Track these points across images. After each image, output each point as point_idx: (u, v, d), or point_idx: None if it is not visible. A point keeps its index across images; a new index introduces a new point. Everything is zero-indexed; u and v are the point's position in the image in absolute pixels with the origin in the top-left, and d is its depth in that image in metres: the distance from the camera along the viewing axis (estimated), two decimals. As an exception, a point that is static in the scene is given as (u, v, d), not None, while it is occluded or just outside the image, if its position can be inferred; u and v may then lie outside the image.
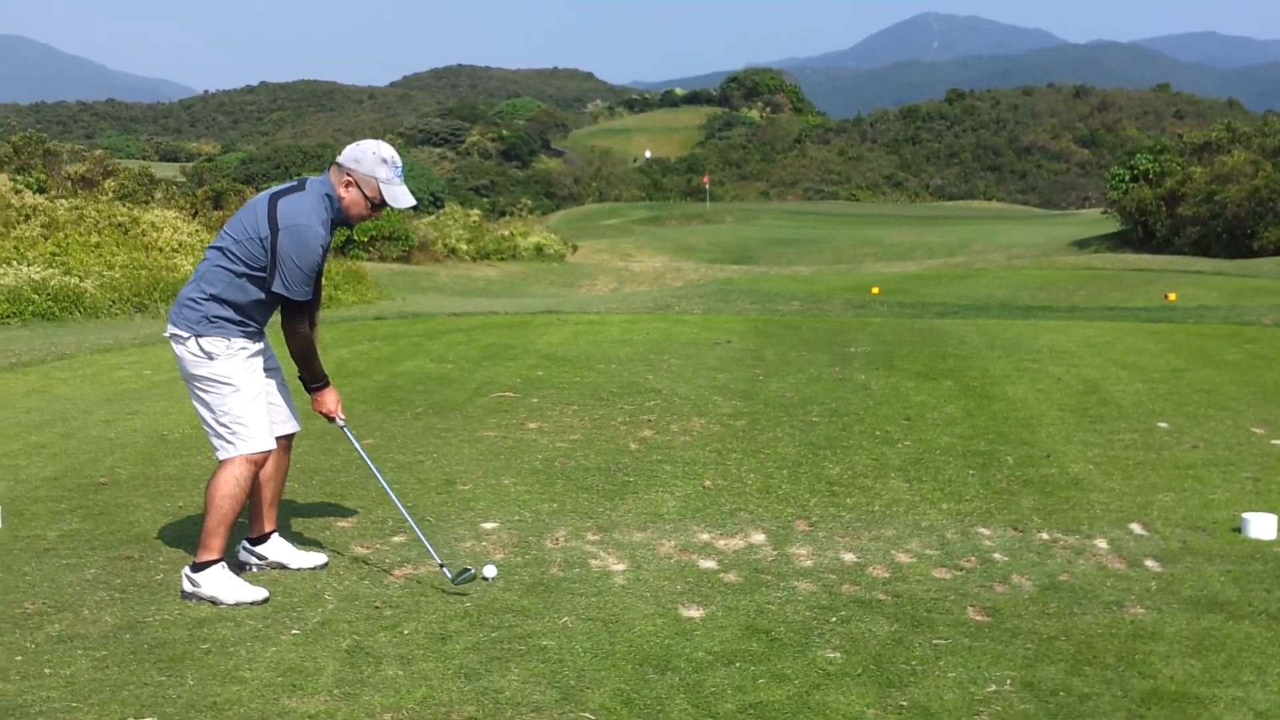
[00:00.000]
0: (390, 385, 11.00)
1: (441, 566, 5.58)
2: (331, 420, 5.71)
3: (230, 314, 5.34)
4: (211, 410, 5.37)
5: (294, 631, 4.90)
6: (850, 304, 21.76)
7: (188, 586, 5.29)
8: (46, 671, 4.48)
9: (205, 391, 5.36)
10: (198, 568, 5.29)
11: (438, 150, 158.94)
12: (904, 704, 4.26)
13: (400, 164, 5.47)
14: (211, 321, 5.32)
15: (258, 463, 5.44)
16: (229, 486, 5.33)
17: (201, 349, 5.31)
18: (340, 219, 5.44)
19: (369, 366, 12.23)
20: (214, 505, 5.31)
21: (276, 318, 5.49)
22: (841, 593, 5.44)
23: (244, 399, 5.37)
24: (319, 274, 5.40)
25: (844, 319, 17.57)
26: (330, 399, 5.67)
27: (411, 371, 11.84)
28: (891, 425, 9.10)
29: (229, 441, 5.37)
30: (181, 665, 4.54)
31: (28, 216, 26.70)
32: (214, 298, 5.32)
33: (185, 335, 5.33)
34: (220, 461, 5.38)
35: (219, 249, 5.36)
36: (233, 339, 5.35)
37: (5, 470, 7.78)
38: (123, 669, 4.50)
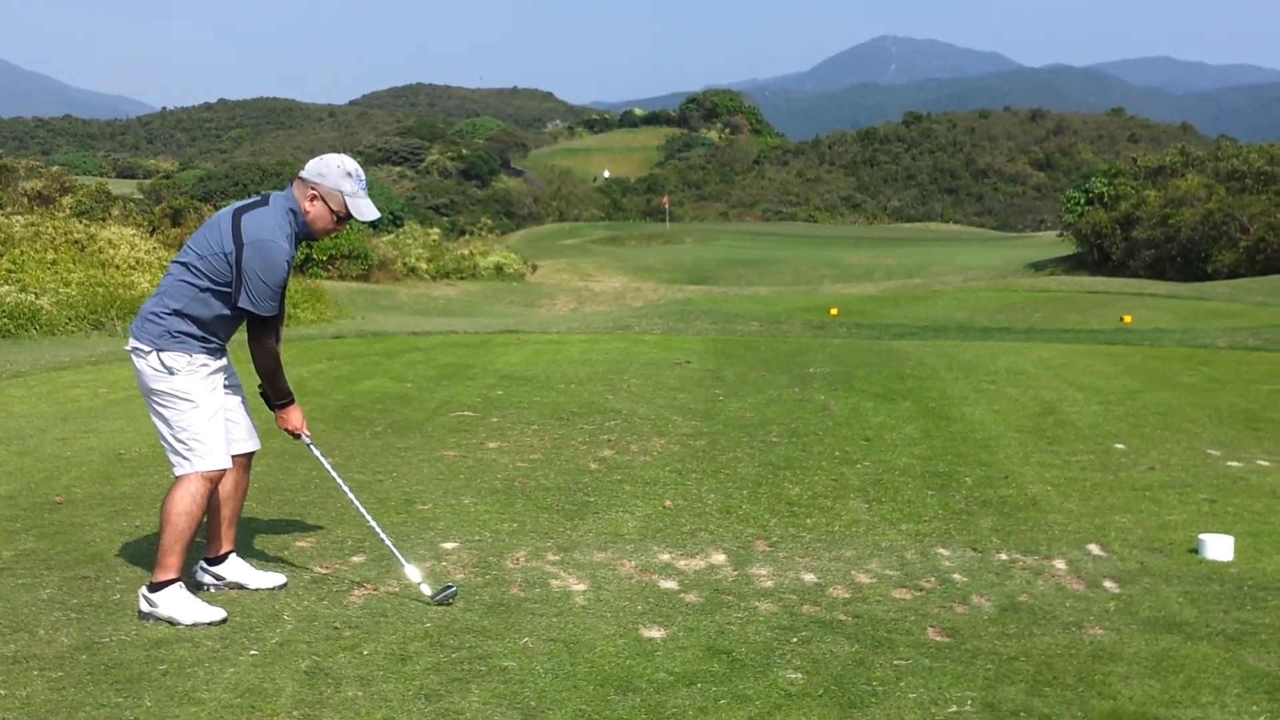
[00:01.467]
0: (349, 404, 10.95)
1: (420, 584, 5.56)
2: (297, 438, 5.68)
3: (193, 329, 5.31)
4: (169, 425, 5.33)
5: (252, 652, 4.86)
6: (809, 325, 21.85)
7: (145, 606, 5.24)
8: (2, 693, 4.42)
9: (164, 407, 5.33)
10: (155, 587, 5.24)
11: (397, 169, 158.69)
12: (865, 725, 4.27)
13: (364, 177, 5.48)
14: (174, 336, 5.28)
15: (214, 480, 5.40)
16: (185, 504, 5.29)
17: (162, 363, 5.28)
18: (304, 233, 5.43)
19: (328, 385, 12.17)
20: (169, 523, 5.26)
21: (240, 335, 5.47)
22: (802, 613, 5.44)
23: (202, 415, 5.33)
24: (284, 289, 5.38)
25: (803, 340, 17.64)
26: (295, 416, 5.65)
27: (371, 390, 11.79)
28: (851, 446, 9.13)
29: (185, 458, 5.33)
30: (139, 686, 4.49)
31: (-17, 233, 26.45)
32: (177, 313, 5.29)
33: (146, 349, 5.30)
34: (176, 478, 5.34)
35: (183, 264, 5.33)
36: (194, 354, 5.32)
37: (-42, 489, 7.70)
38: (79, 690, 4.45)
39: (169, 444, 5.37)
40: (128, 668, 4.68)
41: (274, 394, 5.57)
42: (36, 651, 4.83)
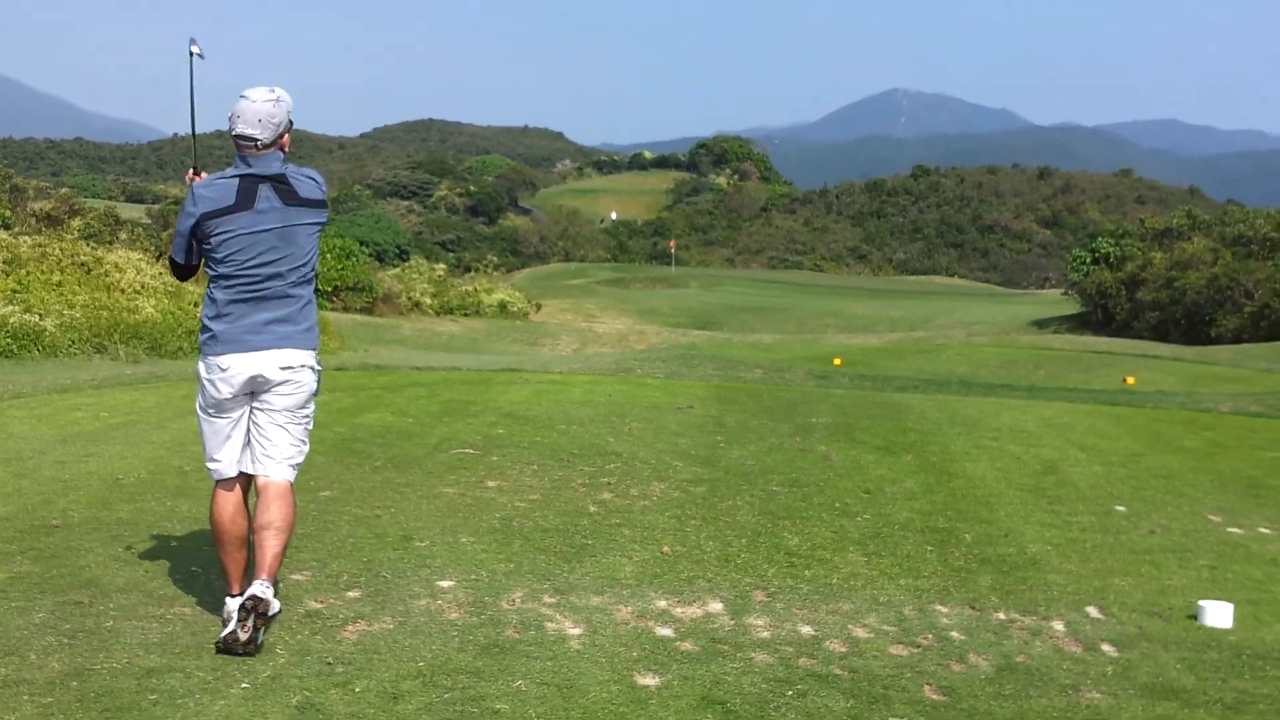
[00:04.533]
0: (350, 437, 10.92)
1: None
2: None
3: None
4: None
5: (244, 685, 4.82)
6: (812, 374, 21.81)
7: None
8: (-11, 717, 4.40)
9: None
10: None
11: (405, 203, 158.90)
12: (858, 782, 4.23)
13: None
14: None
15: (219, 487, 5.54)
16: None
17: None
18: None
19: (329, 418, 12.12)
20: None
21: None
22: (798, 666, 5.41)
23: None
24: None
25: (806, 389, 17.60)
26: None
27: (372, 424, 11.76)
28: (851, 498, 9.10)
29: None
30: (128, 716, 4.45)
31: (-11, 252, 26.44)
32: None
33: None
34: None
35: None
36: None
37: (-45, 508, 7.67)
38: (68, 717, 4.42)
39: None
40: (118, 696, 4.64)
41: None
42: (27, 676, 4.80)
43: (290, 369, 5.38)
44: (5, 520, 7.41)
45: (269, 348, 5.34)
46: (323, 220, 5.46)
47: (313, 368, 5.50)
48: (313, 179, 5.48)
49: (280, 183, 5.33)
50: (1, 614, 5.58)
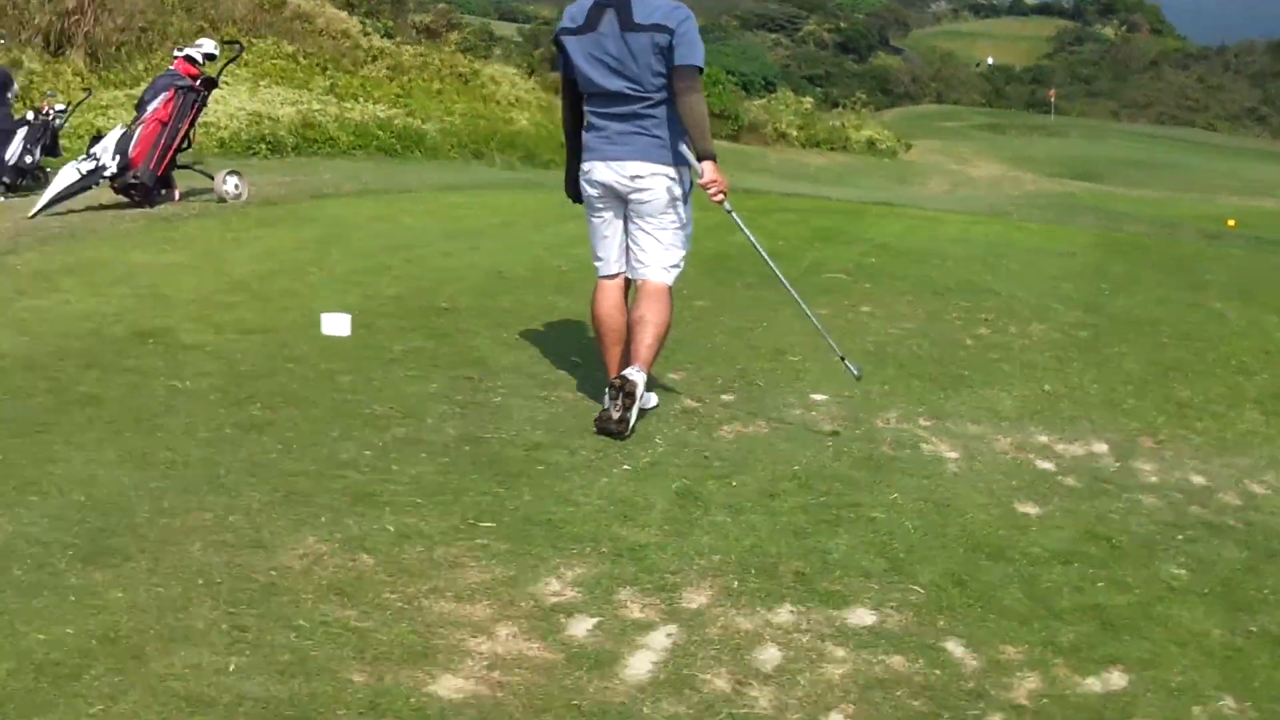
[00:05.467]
0: (721, 254, 10.92)
1: (843, 359, 6.00)
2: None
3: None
4: None
5: (625, 467, 4.93)
6: (1203, 233, 20.51)
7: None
8: (394, 468, 4.64)
9: None
10: None
11: (772, 36, 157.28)
12: (1253, 629, 3.99)
13: None
14: None
15: (600, 282, 5.80)
16: None
17: None
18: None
19: (700, 233, 11.92)
20: None
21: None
22: (1189, 513, 5.11)
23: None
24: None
25: (1197, 246, 16.61)
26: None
27: (742, 244, 11.54)
28: (1249, 357, 8.48)
29: None
30: (518, 481, 4.63)
31: (375, 58, 27.56)
32: None
33: None
34: None
35: None
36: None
37: (355, 285, 8.13)
38: (463, 476, 4.62)
39: None
40: (508, 464, 4.82)
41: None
42: (424, 437, 5.05)
43: (639, 178, 5.52)
44: (399, 300, 7.80)
45: (619, 159, 5.53)
46: (661, 41, 5.34)
47: (669, 176, 5.55)
48: (659, 7, 5.38)
49: (623, 9, 5.37)
50: (399, 380, 5.89)
